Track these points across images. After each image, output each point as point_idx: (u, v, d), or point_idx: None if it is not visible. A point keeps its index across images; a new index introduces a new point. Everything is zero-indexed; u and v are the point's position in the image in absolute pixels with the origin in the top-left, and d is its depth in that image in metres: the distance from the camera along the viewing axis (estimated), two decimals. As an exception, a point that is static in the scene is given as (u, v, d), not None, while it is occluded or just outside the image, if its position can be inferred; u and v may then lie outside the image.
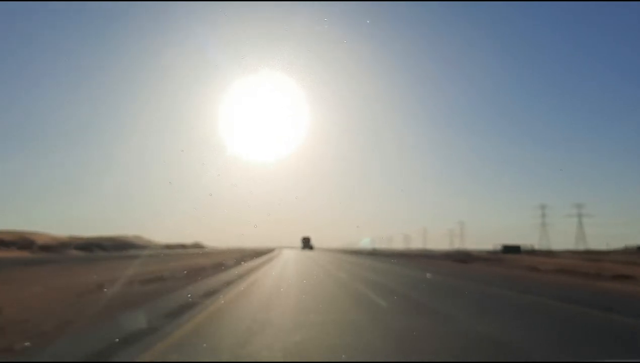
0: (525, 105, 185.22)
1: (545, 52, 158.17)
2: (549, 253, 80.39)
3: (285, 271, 27.80)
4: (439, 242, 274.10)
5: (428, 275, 25.08)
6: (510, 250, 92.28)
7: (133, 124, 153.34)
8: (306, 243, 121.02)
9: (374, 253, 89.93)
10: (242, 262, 34.80)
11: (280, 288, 16.98)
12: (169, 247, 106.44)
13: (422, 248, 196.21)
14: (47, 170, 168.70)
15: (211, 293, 13.71)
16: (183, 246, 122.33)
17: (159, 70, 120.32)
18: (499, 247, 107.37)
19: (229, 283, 17.30)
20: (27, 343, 6.62)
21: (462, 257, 56.86)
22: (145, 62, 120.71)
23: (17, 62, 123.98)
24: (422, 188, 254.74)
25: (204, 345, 7.15)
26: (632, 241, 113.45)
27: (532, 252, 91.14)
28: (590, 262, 43.69)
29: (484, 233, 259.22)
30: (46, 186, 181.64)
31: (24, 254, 59.65)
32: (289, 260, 46.13)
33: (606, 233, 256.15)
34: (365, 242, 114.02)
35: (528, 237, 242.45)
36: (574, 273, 26.62)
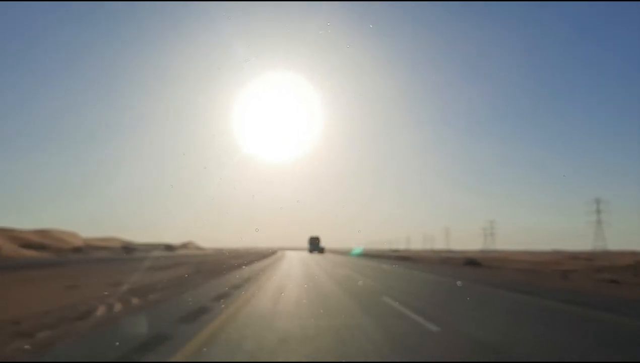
0: (546, 99, 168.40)
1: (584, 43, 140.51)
2: None
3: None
4: (464, 242, 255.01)
5: None
6: None
7: (137, 128, 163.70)
8: (315, 245, 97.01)
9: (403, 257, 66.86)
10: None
11: None
12: (141, 247, 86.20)
13: (446, 248, 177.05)
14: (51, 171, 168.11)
15: None
16: (168, 246, 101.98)
17: (168, 72, 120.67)
18: None
19: None
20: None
21: None
22: (155, 63, 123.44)
23: (26, 62, 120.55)
24: (443, 188, 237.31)
25: None
26: None
27: None
28: None
29: (516, 232, 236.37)
30: (52, 186, 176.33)
31: None
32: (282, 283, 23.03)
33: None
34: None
35: (577, 237, 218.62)
36: None
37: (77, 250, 64.57)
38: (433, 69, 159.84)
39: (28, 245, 60.49)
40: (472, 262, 32.38)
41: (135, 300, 10.66)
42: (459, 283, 17.76)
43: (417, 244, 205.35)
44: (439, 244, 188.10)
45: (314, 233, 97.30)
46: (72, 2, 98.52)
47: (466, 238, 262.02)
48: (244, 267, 28.18)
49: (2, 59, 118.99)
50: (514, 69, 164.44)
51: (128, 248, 70.73)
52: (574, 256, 69.54)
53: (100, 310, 9.05)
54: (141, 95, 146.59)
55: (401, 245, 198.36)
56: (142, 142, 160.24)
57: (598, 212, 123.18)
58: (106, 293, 11.91)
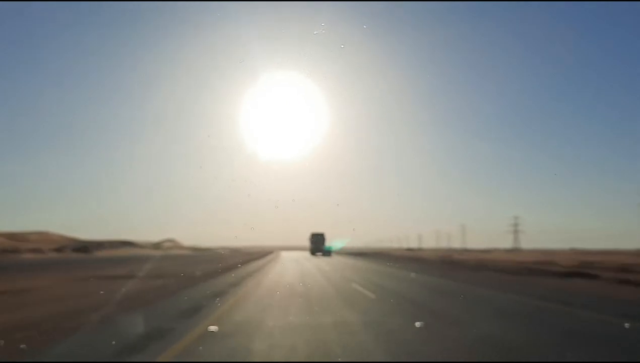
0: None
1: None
2: None
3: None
4: (480, 240, 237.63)
5: None
6: None
7: (135, 128, 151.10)
8: (317, 244, 70.92)
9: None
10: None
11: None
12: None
13: (462, 247, 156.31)
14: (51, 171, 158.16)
15: None
16: (83, 246, 77.07)
17: (167, 72, 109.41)
18: None
19: None
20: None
21: None
22: (157, 63, 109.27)
23: (35, 61, 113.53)
24: (456, 185, 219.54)
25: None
26: None
27: None
28: None
29: (545, 230, 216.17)
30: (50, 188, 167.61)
31: None
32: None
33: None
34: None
35: (622, 236, 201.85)
36: None
37: None
38: (441, 65, 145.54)
39: None
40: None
41: None
42: None
43: (429, 242, 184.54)
44: (454, 242, 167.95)
45: (317, 230, 71.72)
46: (76, 2, 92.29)
47: (482, 236, 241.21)
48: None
49: (10, 60, 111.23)
50: (537, 61, 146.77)
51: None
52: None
53: None
54: (140, 95, 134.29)
55: (412, 243, 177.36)
56: (142, 143, 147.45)
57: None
58: None
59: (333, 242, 72.56)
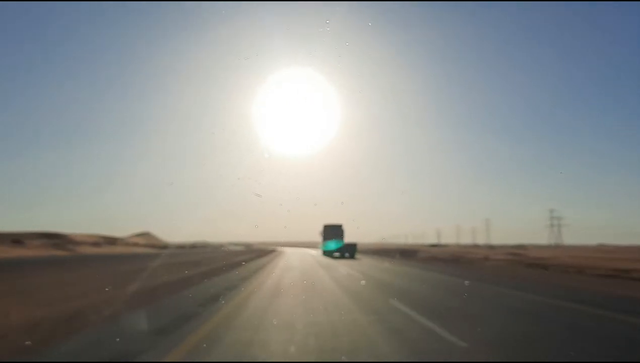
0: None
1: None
2: None
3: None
4: (506, 236, 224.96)
5: None
6: None
7: (137, 126, 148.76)
8: (334, 241, 47.70)
9: None
10: None
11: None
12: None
13: (486, 243, 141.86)
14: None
15: None
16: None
17: (173, 70, 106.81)
18: None
19: None
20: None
21: None
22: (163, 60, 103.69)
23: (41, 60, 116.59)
24: (477, 181, 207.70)
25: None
26: None
27: None
28: None
29: (587, 226, 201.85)
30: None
31: None
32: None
33: None
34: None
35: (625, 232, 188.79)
36: None
37: None
38: (453, 62, 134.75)
39: None
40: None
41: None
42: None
43: (448, 238, 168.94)
44: (477, 238, 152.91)
45: (332, 221, 49.56)
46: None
47: (504, 232, 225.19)
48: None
49: (19, 57, 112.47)
50: (559, 57, 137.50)
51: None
52: None
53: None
54: (146, 94, 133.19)
55: (429, 239, 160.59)
56: (143, 142, 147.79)
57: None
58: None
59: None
